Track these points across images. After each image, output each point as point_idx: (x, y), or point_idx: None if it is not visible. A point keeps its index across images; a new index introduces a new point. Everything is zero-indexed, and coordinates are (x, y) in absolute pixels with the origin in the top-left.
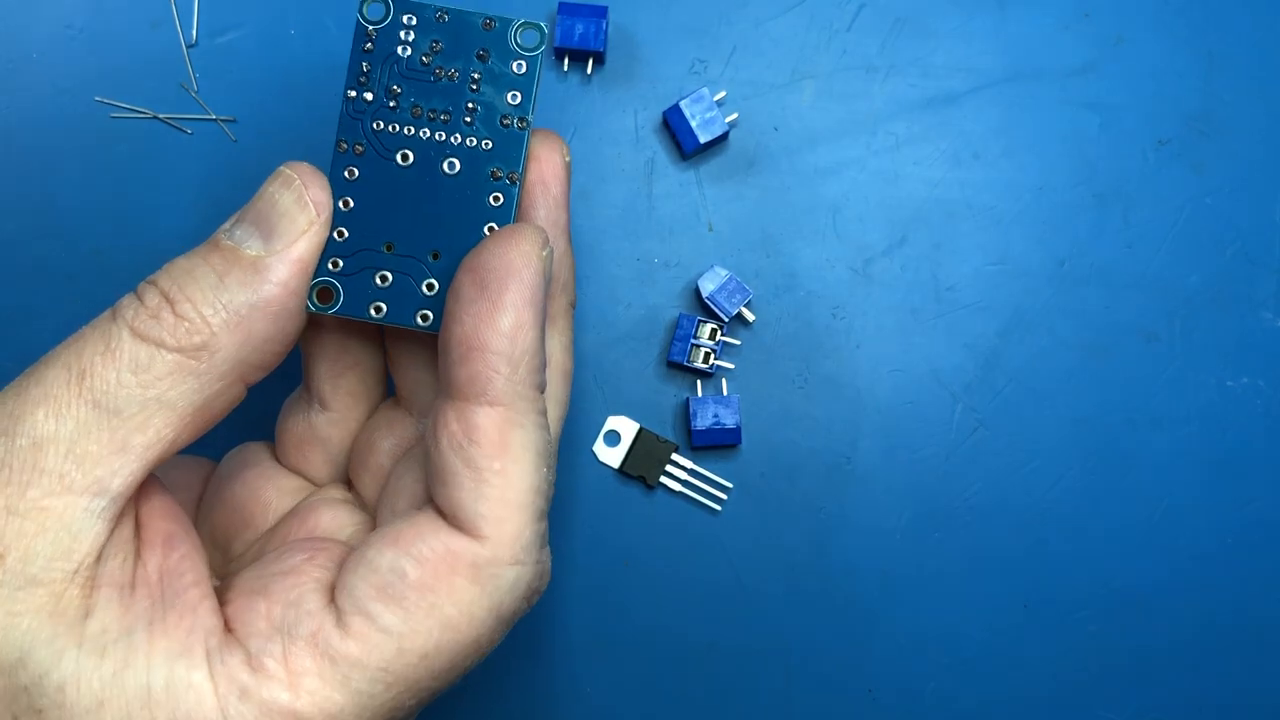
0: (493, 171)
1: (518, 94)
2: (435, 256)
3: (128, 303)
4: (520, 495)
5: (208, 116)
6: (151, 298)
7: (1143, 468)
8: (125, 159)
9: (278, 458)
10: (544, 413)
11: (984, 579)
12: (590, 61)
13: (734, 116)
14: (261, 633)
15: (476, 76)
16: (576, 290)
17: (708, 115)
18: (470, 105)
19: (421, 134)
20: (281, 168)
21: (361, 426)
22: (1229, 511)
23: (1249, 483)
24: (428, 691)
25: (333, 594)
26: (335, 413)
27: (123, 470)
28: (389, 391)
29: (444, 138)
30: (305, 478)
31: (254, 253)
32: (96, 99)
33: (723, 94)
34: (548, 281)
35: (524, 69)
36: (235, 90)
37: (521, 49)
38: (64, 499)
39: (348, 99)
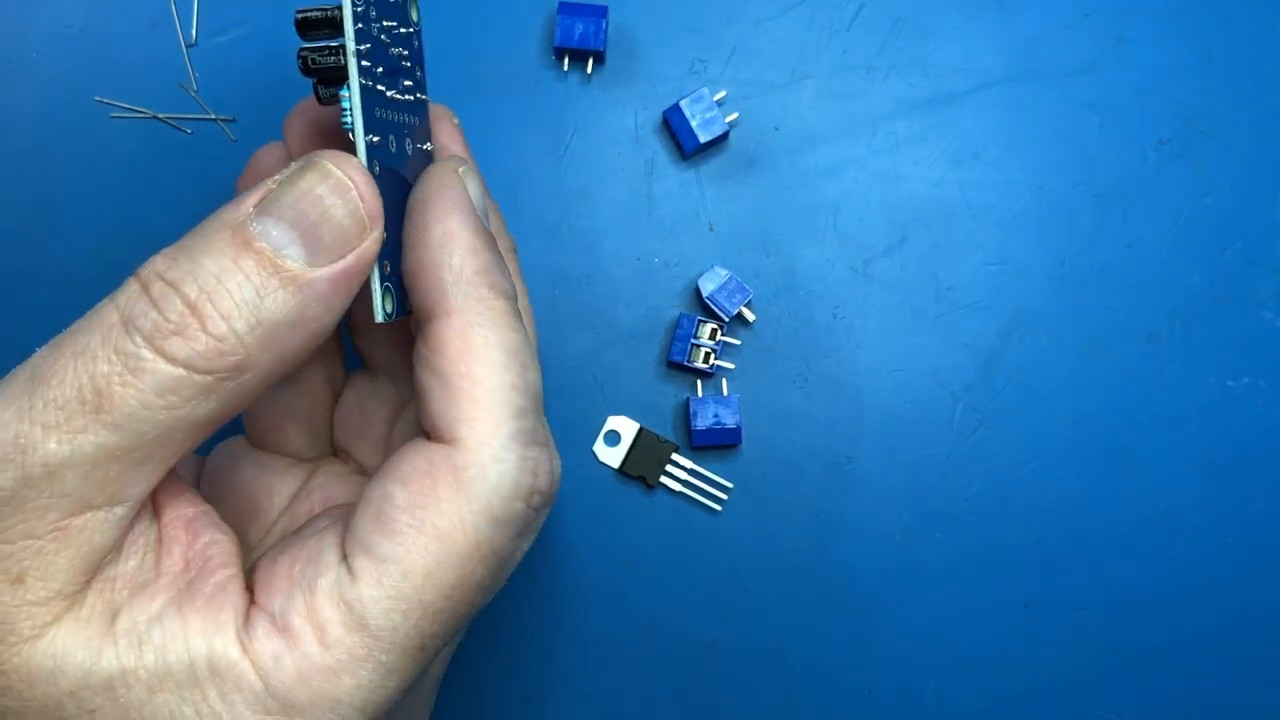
0: (424, 147)
1: (419, 69)
2: None
3: (141, 310)
4: (491, 393)
5: (207, 116)
6: (172, 307)
7: (1143, 468)
8: (125, 159)
9: (256, 444)
10: (507, 313)
11: (984, 579)
12: (590, 61)
13: (734, 116)
14: (283, 590)
15: (406, 54)
16: (577, 288)
17: (708, 115)
18: (407, 83)
19: (395, 117)
20: (322, 160)
21: (328, 391)
22: (1229, 511)
23: (1249, 483)
24: (447, 613)
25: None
26: (300, 382)
27: (141, 480)
28: (347, 354)
29: (399, 118)
30: (290, 455)
31: (295, 266)
32: (96, 99)
33: (723, 94)
34: (469, 193)
35: (417, 44)
36: (235, 90)
37: (415, 24)
38: (85, 516)
39: (363, 88)
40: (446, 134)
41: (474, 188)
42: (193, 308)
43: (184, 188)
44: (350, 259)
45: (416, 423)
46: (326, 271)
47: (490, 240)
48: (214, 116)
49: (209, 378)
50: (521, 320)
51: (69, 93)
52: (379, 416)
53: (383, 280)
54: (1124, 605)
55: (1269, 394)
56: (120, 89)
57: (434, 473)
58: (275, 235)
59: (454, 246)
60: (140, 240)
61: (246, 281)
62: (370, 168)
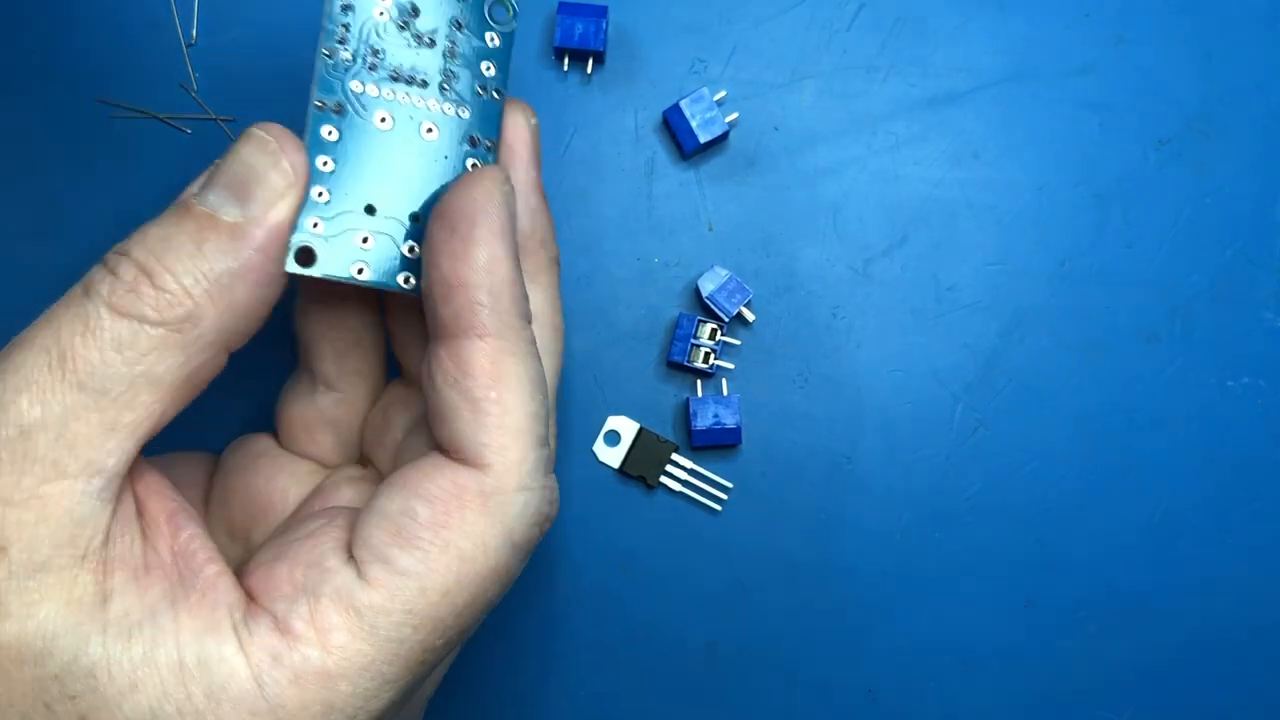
0: (471, 138)
1: (492, 66)
2: (415, 220)
3: (100, 277)
4: (519, 422)
5: (207, 116)
6: (127, 270)
7: (1143, 468)
8: (125, 159)
9: (283, 444)
10: (532, 342)
11: (984, 579)
12: (590, 61)
13: (734, 116)
14: (286, 595)
15: (453, 45)
16: (577, 288)
17: (708, 115)
18: (448, 72)
19: (400, 97)
20: (252, 129)
21: (368, 403)
22: (1229, 511)
23: (1249, 483)
24: (454, 630)
25: (350, 550)
26: (341, 393)
27: (116, 450)
28: (390, 367)
29: (422, 103)
30: (316, 461)
31: (231, 219)
32: (96, 99)
33: (723, 94)
34: (513, 217)
35: (497, 42)
36: (235, 90)
37: (495, 23)
38: (60, 484)
39: (324, 56)
40: (516, 135)
41: (512, 204)
42: (142, 268)
43: (184, 188)
44: (281, 208)
45: (428, 435)
46: (258, 221)
47: (519, 266)
48: (214, 116)
49: (161, 329)
50: (537, 348)
51: (69, 93)
52: (398, 423)
53: (313, 235)
54: (1124, 605)
55: (1269, 394)
56: (120, 89)
57: (461, 495)
58: (213, 199)
59: (497, 273)
60: None
61: (188, 240)
62: (315, 130)
